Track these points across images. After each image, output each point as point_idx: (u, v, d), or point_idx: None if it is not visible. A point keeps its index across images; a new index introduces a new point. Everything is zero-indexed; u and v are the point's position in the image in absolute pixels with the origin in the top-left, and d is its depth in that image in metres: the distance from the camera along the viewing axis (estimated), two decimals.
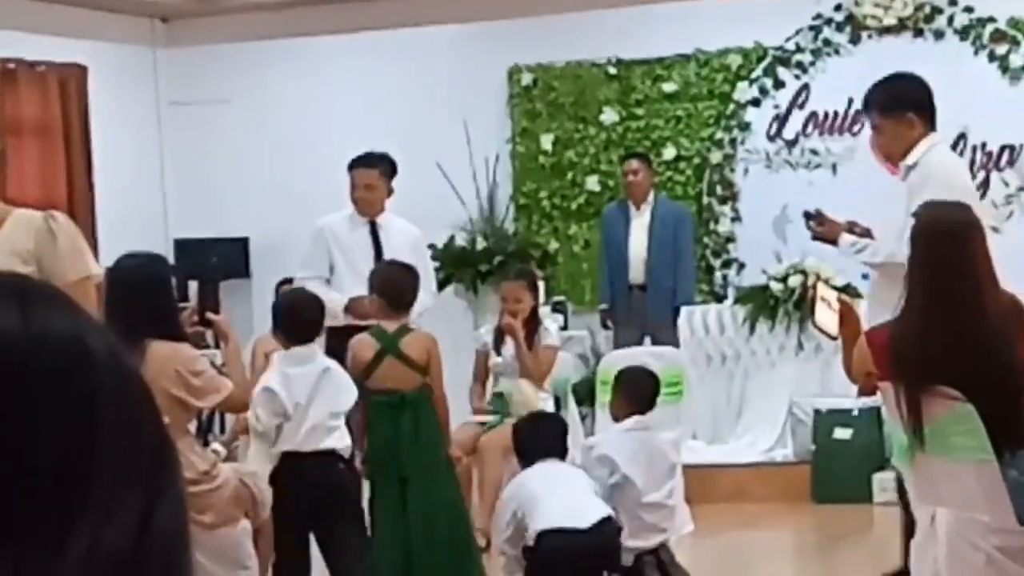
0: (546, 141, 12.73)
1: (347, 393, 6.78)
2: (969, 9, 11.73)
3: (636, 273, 11.42)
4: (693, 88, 12.43)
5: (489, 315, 10.22)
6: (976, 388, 4.66)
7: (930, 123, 6.73)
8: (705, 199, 12.36)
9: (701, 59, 12.39)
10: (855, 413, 9.78)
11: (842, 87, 11.47)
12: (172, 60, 13.59)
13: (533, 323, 8.74)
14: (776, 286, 10.78)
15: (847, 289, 8.86)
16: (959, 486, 4.74)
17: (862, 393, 5.27)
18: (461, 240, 12.46)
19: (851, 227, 6.94)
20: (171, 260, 11.68)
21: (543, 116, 12.78)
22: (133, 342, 5.43)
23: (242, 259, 13.21)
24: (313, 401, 6.65)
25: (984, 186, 11.72)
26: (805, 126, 12.09)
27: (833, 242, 6.97)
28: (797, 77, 12.17)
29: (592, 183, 12.61)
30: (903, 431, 4.82)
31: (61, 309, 1.07)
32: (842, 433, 9.95)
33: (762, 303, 10.86)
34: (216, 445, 7.49)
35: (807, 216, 7.07)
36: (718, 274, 12.28)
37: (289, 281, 9.41)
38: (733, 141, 12.33)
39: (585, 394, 10.29)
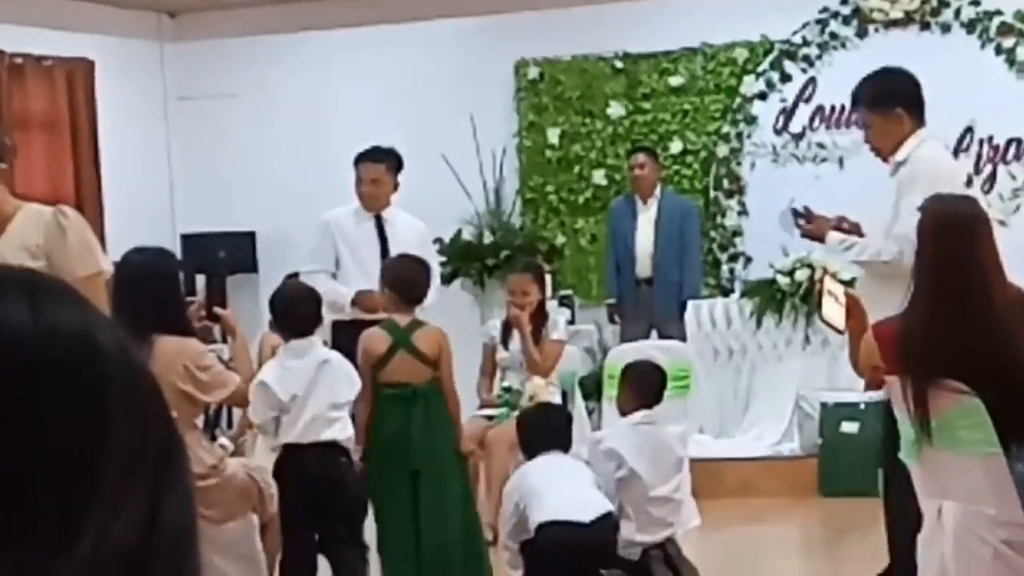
0: (553, 135, 12.73)
1: (348, 385, 6.79)
2: (976, 2, 11.72)
3: (643, 267, 11.42)
4: (700, 82, 12.43)
5: (496, 309, 10.23)
6: (983, 381, 4.66)
7: (919, 118, 6.70)
8: (712, 193, 12.36)
9: (708, 53, 12.39)
10: (862, 407, 9.77)
11: (849, 81, 11.26)
12: (179, 55, 13.60)
13: (540, 317, 8.75)
14: (783, 280, 10.78)
15: (854, 283, 8.85)
16: (966, 479, 4.74)
17: (869, 387, 5.26)
18: (468, 234, 12.45)
19: (840, 223, 6.91)
20: (178, 255, 11.67)
21: (550, 110, 12.78)
22: (140, 337, 5.44)
23: (249, 253, 13.22)
24: (312, 393, 6.65)
25: (991, 179, 11.73)
26: (812, 120, 12.08)
27: (820, 239, 6.95)
28: (804, 71, 12.16)
29: (599, 177, 12.61)
30: (910, 425, 4.82)
31: (70, 304, 1.07)
32: (849, 427, 9.95)
33: (769, 297, 10.85)
34: (223, 440, 7.50)
35: (795, 214, 7.06)
36: (725, 268, 12.28)
37: (296, 276, 9.41)
38: (740, 135, 12.33)
39: (592, 388, 10.29)
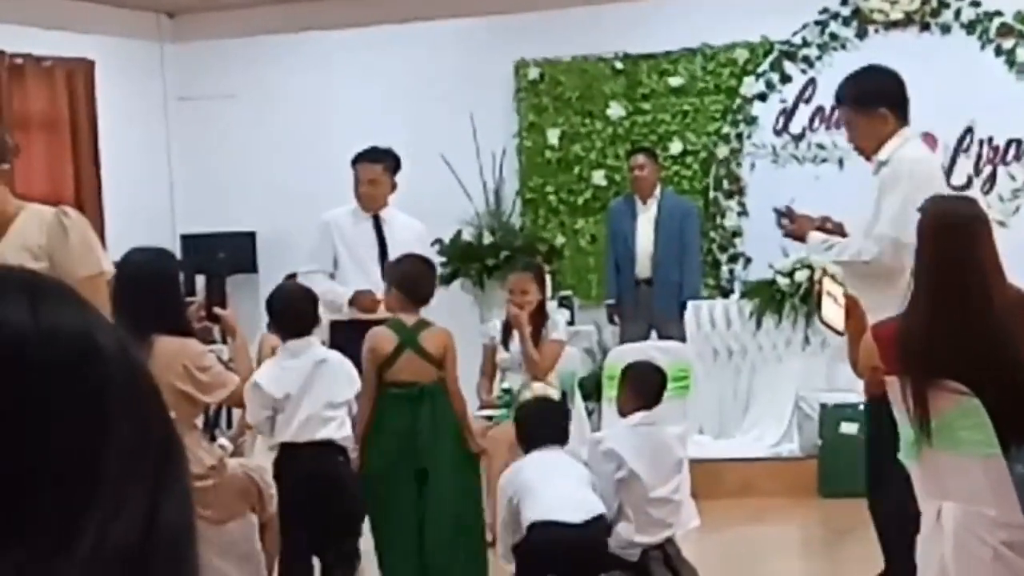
0: (553, 135, 12.73)
1: (345, 384, 6.81)
2: (976, 3, 11.73)
3: (642, 268, 11.42)
4: (699, 83, 12.43)
5: (496, 309, 10.23)
6: (983, 382, 4.66)
7: (903, 117, 6.67)
8: (711, 193, 12.36)
9: (707, 54, 12.39)
10: (861, 408, 9.76)
11: None
12: (179, 55, 13.60)
13: (540, 317, 8.74)
14: (783, 281, 10.78)
15: None
16: (966, 480, 4.74)
17: (869, 388, 5.26)
18: (467, 235, 12.45)
19: (823, 223, 6.90)
20: (178, 255, 11.67)
21: (549, 111, 12.79)
22: (140, 337, 5.44)
23: (249, 254, 13.22)
24: (307, 392, 6.67)
25: (991, 180, 11.73)
26: (812, 120, 12.08)
27: (802, 239, 6.93)
28: (804, 71, 12.16)
29: (598, 177, 12.61)
30: (909, 425, 4.82)
31: (70, 305, 1.07)
32: (848, 428, 9.94)
33: (768, 298, 10.85)
34: (223, 440, 7.50)
35: (777, 213, 7.06)
36: (724, 268, 12.29)
37: (295, 276, 9.43)
38: (740, 135, 12.33)
39: (592, 389, 10.29)
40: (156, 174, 13.47)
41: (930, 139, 11.69)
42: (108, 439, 1.03)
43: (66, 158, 12.46)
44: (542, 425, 6.87)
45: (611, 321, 11.72)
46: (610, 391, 8.46)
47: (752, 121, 12.30)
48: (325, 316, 8.01)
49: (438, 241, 11.46)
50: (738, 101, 12.32)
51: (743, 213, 12.27)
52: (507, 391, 8.66)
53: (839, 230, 6.82)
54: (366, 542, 7.20)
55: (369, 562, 7.24)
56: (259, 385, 6.60)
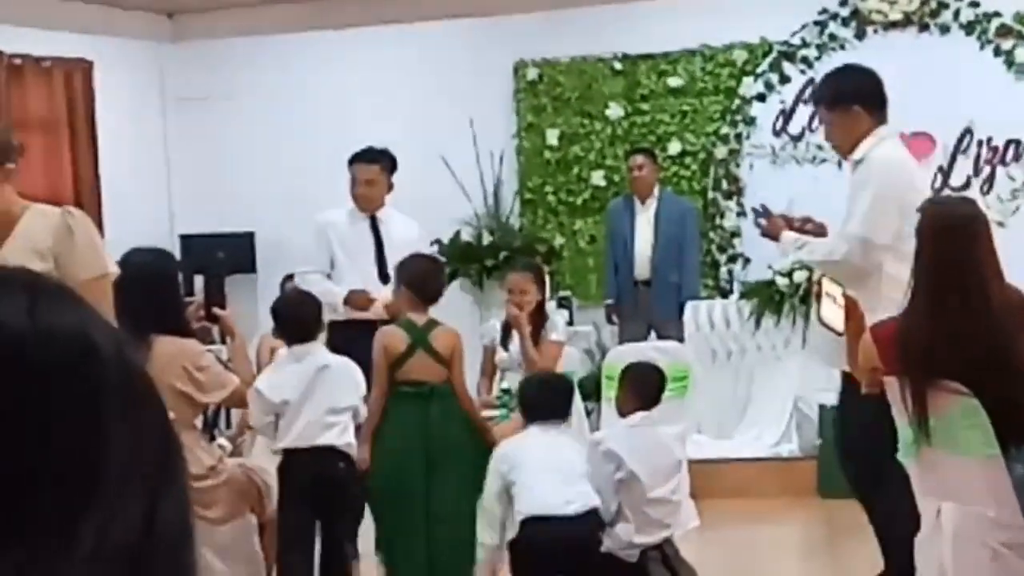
0: (552, 136, 12.73)
1: (349, 389, 6.82)
2: (975, 4, 11.73)
3: (641, 268, 11.42)
4: (698, 83, 12.44)
5: (495, 310, 10.22)
6: (982, 382, 4.66)
7: (879, 116, 6.64)
8: (710, 194, 12.37)
9: (707, 54, 12.40)
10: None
11: None
12: (178, 55, 13.60)
13: (539, 317, 8.74)
14: (782, 281, 10.78)
15: None
16: (965, 481, 4.74)
17: (868, 388, 5.26)
18: (467, 235, 12.46)
19: (803, 223, 6.89)
20: (177, 255, 11.68)
21: (548, 111, 12.79)
22: (139, 337, 5.45)
23: (248, 254, 13.22)
24: (308, 398, 6.69)
25: (990, 181, 11.73)
26: (810, 121, 12.06)
27: (775, 238, 6.93)
28: (803, 72, 12.16)
29: (597, 178, 12.62)
30: (908, 425, 4.82)
31: (68, 305, 1.07)
32: None
33: (767, 298, 10.86)
34: (222, 440, 7.50)
35: (755, 212, 7.06)
36: (723, 269, 12.29)
37: (292, 277, 9.45)
38: (739, 136, 12.33)
39: (590, 389, 10.27)
40: (155, 174, 13.47)
41: (928, 140, 11.72)
42: (106, 439, 1.02)
43: (65, 158, 12.46)
44: (544, 397, 6.84)
45: (610, 321, 11.72)
46: (609, 391, 8.44)
47: (751, 122, 12.30)
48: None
49: (437, 241, 11.46)
50: (737, 102, 12.33)
51: (742, 214, 12.26)
52: (506, 391, 8.65)
53: (819, 230, 6.80)
54: (366, 543, 7.19)
55: (368, 563, 7.24)
56: (259, 391, 6.63)
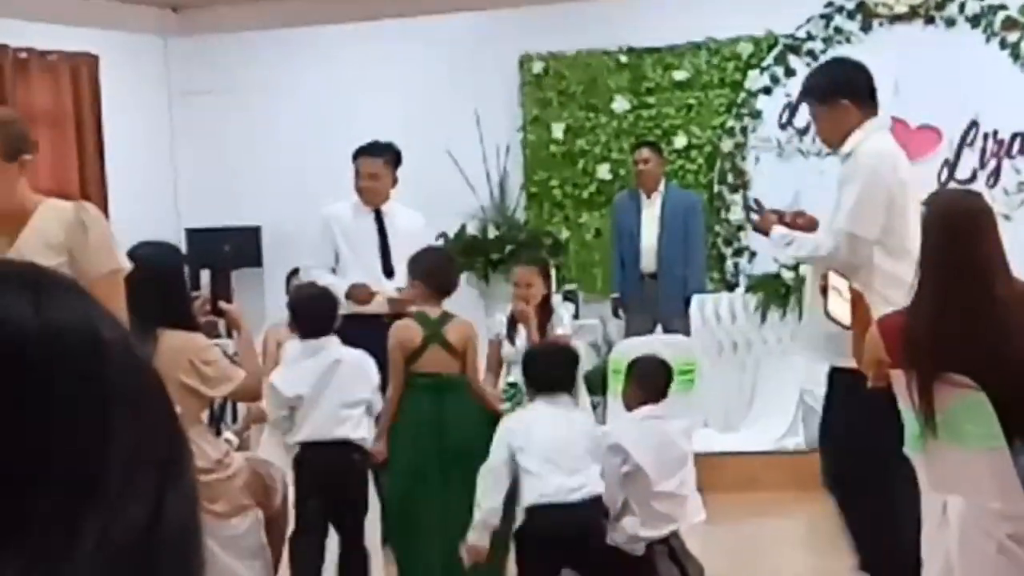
0: (557, 129, 12.73)
1: (362, 383, 6.87)
2: None
3: (647, 261, 11.41)
4: (704, 76, 12.43)
5: (501, 303, 10.22)
6: (988, 376, 4.66)
7: (869, 109, 6.62)
8: (716, 187, 12.36)
9: (712, 47, 12.39)
10: None
11: None
12: (183, 49, 13.59)
13: (545, 311, 8.74)
14: (787, 274, 10.77)
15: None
16: (971, 474, 4.74)
17: (874, 381, 5.26)
18: (472, 229, 12.46)
19: (794, 218, 6.87)
20: (183, 249, 11.68)
21: (554, 104, 12.78)
22: (146, 331, 5.45)
23: (254, 248, 13.22)
24: (322, 392, 6.74)
25: (996, 174, 11.72)
26: None
27: (766, 233, 6.92)
28: (808, 65, 12.11)
29: (603, 171, 12.61)
30: (915, 418, 4.82)
31: (74, 300, 1.07)
32: None
33: (773, 291, 10.85)
34: (228, 434, 7.52)
35: (748, 209, 7.07)
36: (729, 262, 12.28)
37: (298, 271, 9.46)
38: (744, 129, 12.33)
39: (597, 383, 10.28)
40: (161, 168, 13.47)
41: (934, 133, 11.71)
42: (112, 435, 1.02)
43: (71, 152, 12.46)
44: (550, 369, 6.81)
45: (616, 315, 11.71)
46: (616, 385, 8.46)
47: (757, 115, 12.29)
48: None
49: (443, 235, 11.47)
50: (743, 95, 12.32)
51: (748, 207, 12.26)
52: (513, 385, 8.65)
53: (811, 225, 6.79)
54: (371, 537, 7.20)
55: (375, 555, 7.25)
56: (274, 385, 6.72)
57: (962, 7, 11.76)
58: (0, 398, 0.99)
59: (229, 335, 7.45)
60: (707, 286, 11.67)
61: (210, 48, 13.42)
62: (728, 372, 10.97)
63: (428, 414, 7.00)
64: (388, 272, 8.78)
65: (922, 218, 5.06)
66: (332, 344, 6.93)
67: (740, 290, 11.47)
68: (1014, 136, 11.68)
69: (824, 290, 5.54)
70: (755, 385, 10.98)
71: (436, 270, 7.22)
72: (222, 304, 6.45)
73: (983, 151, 11.74)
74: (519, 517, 6.54)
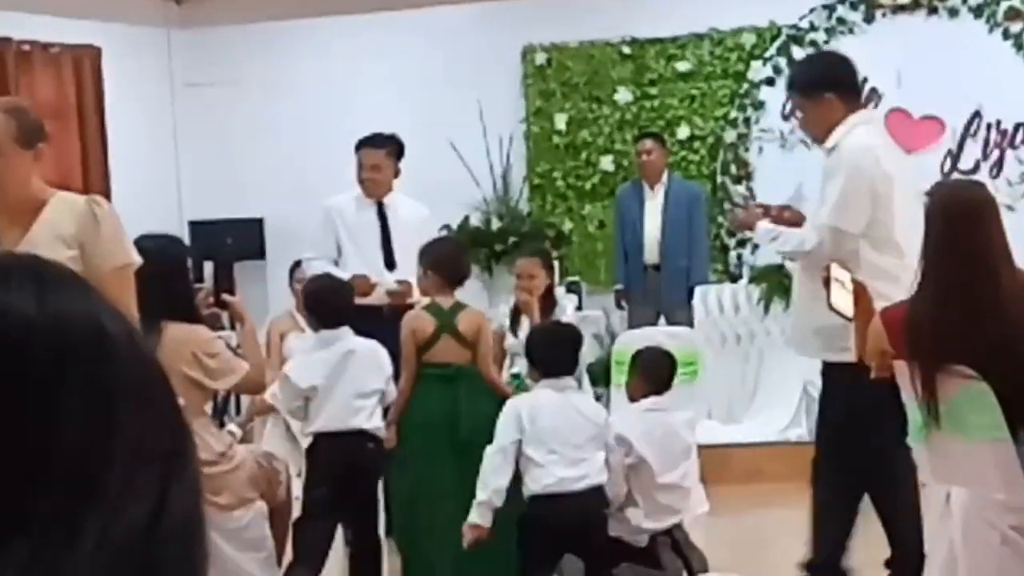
0: (560, 121, 12.72)
1: (376, 373, 6.90)
2: None
3: (650, 253, 11.40)
4: (707, 67, 12.42)
5: (504, 295, 10.22)
6: (991, 367, 4.66)
7: (853, 102, 6.60)
8: (719, 178, 12.35)
9: (715, 38, 12.38)
10: None
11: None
12: (186, 41, 13.58)
13: (548, 302, 8.74)
14: (791, 265, 10.73)
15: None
16: (974, 465, 4.74)
17: (877, 373, 5.25)
18: (475, 220, 12.46)
19: (780, 212, 6.87)
20: (186, 241, 11.67)
21: (557, 96, 12.77)
22: (149, 324, 5.45)
23: (257, 240, 13.22)
24: (336, 383, 6.77)
25: (999, 164, 11.72)
26: None
27: (751, 228, 6.91)
28: None
29: (606, 163, 12.61)
30: (918, 410, 4.82)
31: (77, 292, 1.06)
32: None
33: (777, 283, 10.84)
34: (232, 426, 7.53)
35: (735, 205, 7.08)
36: (733, 254, 12.27)
37: (301, 263, 9.46)
38: (747, 120, 12.32)
39: (600, 374, 10.28)
40: (164, 161, 13.47)
41: (937, 123, 11.70)
42: (116, 427, 1.02)
43: (73, 145, 12.45)
44: (551, 349, 6.78)
45: (619, 306, 11.71)
46: (619, 377, 8.45)
47: (760, 106, 12.28)
48: None
49: (446, 227, 11.46)
50: (745, 86, 12.31)
51: (751, 198, 12.25)
52: (516, 376, 8.66)
53: (796, 219, 6.78)
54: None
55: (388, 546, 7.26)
56: (288, 376, 6.79)
57: None
58: (2, 392, 0.99)
59: (232, 327, 7.44)
60: (710, 277, 11.67)
61: (213, 40, 13.42)
62: (731, 363, 10.97)
63: (440, 404, 7.01)
64: (389, 264, 8.77)
65: (925, 208, 5.06)
66: (346, 335, 6.95)
67: (743, 281, 11.46)
68: (1017, 126, 11.67)
69: (827, 282, 5.53)
70: (758, 376, 10.97)
71: (447, 260, 7.22)
72: (225, 296, 6.44)
73: (986, 141, 11.73)
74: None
